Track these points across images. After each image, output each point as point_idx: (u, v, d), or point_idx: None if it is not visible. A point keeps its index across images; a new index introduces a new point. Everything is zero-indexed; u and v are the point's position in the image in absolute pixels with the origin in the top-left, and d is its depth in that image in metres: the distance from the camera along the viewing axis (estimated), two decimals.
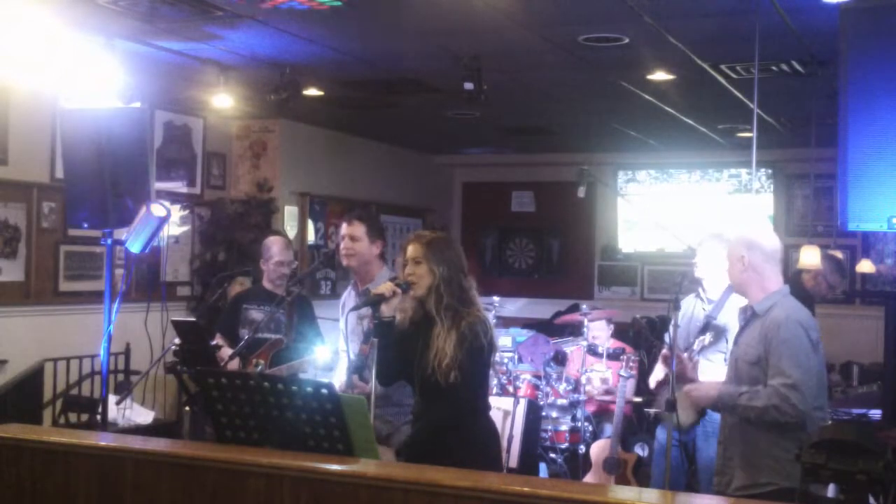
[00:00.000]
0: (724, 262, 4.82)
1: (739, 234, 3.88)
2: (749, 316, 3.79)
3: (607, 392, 6.92)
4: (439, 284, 3.59)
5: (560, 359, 7.34)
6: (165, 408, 7.87)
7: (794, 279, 6.48)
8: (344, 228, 4.66)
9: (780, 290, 3.74)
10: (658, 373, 5.19)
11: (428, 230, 3.77)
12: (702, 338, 4.82)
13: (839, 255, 6.97)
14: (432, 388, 3.57)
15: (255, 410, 2.99)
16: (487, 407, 3.75)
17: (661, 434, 5.20)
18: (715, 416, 4.62)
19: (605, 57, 6.01)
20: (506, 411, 6.38)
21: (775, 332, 3.58)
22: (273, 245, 5.54)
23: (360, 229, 4.58)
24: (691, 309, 5.13)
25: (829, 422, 4.13)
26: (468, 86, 6.06)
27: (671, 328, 4.50)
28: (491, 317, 3.80)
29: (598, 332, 7.27)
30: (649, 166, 11.05)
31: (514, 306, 9.97)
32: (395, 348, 3.68)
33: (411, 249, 3.67)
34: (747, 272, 3.75)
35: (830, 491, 2.53)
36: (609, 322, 7.36)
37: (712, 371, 4.74)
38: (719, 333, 4.88)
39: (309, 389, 2.91)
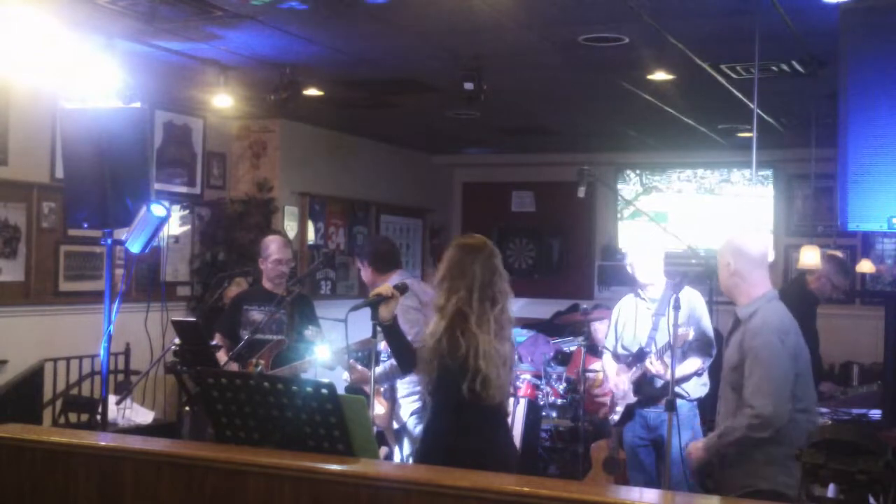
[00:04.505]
0: (660, 266, 5.06)
1: (727, 240, 3.91)
2: (734, 322, 3.83)
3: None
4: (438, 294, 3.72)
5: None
6: (165, 408, 7.87)
7: (799, 281, 6.47)
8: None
9: (765, 294, 3.75)
10: (612, 373, 5.25)
11: (469, 238, 3.85)
12: (681, 332, 4.87)
13: (840, 254, 6.95)
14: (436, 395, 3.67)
15: (255, 410, 2.99)
16: (492, 425, 3.73)
17: (628, 434, 5.24)
18: (681, 410, 4.70)
19: (605, 57, 6.01)
20: None
21: (750, 341, 3.63)
22: (271, 244, 5.53)
23: (358, 265, 5.08)
24: (633, 309, 5.17)
25: (829, 422, 4.14)
26: (468, 86, 6.06)
27: (670, 328, 4.51)
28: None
29: (602, 331, 7.26)
30: (649, 166, 11.06)
31: (514, 306, 9.94)
32: (406, 345, 3.84)
33: None
34: (733, 278, 3.79)
35: (830, 491, 2.53)
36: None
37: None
38: (700, 332, 4.94)
39: (309, 389, 2.91)
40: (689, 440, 4.69)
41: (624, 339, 5.21)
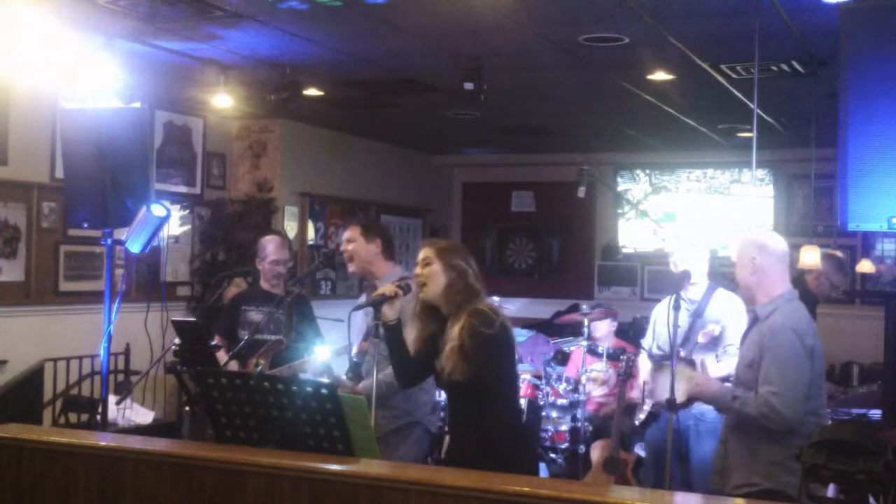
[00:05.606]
0: (703, 265, 4.98)
1: (750, 236, 3.87)
2: (752, 319, 3.80)
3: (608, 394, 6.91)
4: (448, 286, 3.59)
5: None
6: (165, 408, 7.87)
7: (798, 280, 6.48)
8: (343, 235, 4.71)
9: (784, 294, 3.72)
10: (644, 373, 5.24)
11: (439, 238, 3.83)
12: (711, 328, 4.85)
13: (839, 254, 6.96)
14: (452, 387, 3.61)
15: (255, 410, 2.99)
16: (514, 410, 3.69)
17: (650, 434, 5.22)
18: (709, 416, 4.68)
19: (605, 57, 6.01)
20: None
21: (769, 338, 3.59)
22: (269, 244, 5.51)
23: (354, 231, 4.61)
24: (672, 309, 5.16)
25: (829, 422, 4.14)
26: (468, 86, 6.06)
27: (671, 329, 4.51)
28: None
29: (601, 330, 7.27)
30: (649, 166, 11.06)
31: (514, 306, 9.96)
32: (406, 350, 3.72)
33: (421, 253, 3.70)
34: (757, 274, 3.72)
35: (830, 491, 2.53)
36: (613, 320, 7.35)
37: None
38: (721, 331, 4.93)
39: (309, 389, 2.91)
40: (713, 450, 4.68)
41: (660, 338, 5.18)
